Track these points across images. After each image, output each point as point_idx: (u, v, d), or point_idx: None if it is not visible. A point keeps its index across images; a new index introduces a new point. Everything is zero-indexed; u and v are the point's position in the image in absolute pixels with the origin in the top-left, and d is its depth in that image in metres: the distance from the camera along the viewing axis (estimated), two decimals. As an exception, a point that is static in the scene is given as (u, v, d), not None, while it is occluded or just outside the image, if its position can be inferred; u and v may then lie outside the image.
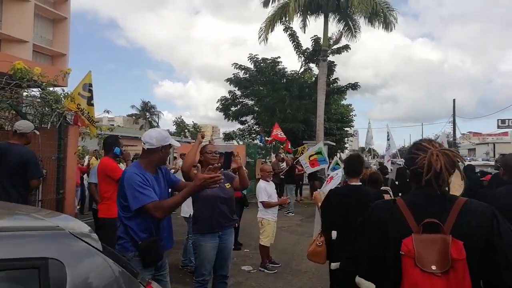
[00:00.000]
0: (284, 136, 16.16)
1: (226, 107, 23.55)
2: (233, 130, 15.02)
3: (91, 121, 6.02)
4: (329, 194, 3.41)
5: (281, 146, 19.35)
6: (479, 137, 71.90)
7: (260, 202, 5.75)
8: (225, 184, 3.60)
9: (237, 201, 6.93)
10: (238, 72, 23.18)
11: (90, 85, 6.05)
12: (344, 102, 34.78)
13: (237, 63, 23.01)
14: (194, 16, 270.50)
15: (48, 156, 5.59)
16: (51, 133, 5.74)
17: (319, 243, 3.22)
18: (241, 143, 16.18)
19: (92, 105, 6.07)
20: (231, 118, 23.74)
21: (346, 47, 21.11)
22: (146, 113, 63.26)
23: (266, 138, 17.39)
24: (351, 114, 34.86)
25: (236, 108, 23.70)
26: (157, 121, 64.04)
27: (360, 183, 3.35)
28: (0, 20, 21.40)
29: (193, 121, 13.89)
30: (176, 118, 33.68)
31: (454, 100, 39.63)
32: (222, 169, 3.45)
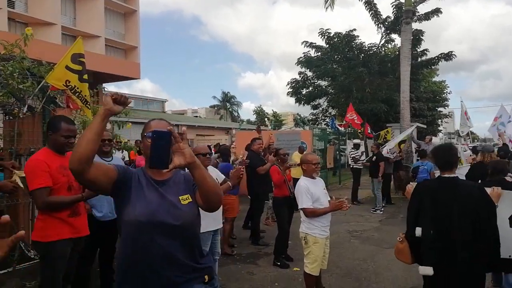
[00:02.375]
0: (359, 121, 13.73)
1: (297, 90, 21.51)
2: (298, 113, 12.96)
3: (84, 102, 4.67)
4: (418, 187, 3.03)
5: (359, 131, 16.88)
6: None
7: (301, 209, 3.88)
8: (180, 197, 1.83)
9: (285, 202, 5.46)
10: (309, 51, 20.95)
11: (81, 55, 4.67)
12: (435, 79, 30.47)
13: (307, 41, 20.79)
14: (272, 6, 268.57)
15: (26, 147, 4.37)
16: (32, 119, 4.53)
17: (399, 239, 2.98)
18: (307, 128, 14.07)
19: (86, 81, 4.71)
20: (302, 102, 21.67)
21: (437, 11, 17.63)
22: (227, 104, 64.15)
23: (339, 123, 15.13)
24: (445, 92, 30.33)
25: (307, 90, 21.51)
26: (237, 110, 64.71)
27: (456, 175, 2.82)
28: (74, 17, 22.03)
29: (273, 110, 12.63)
30: (256, 107, 32.56)
31: None
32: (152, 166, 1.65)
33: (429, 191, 2.88)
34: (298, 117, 12.89)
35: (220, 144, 11.13)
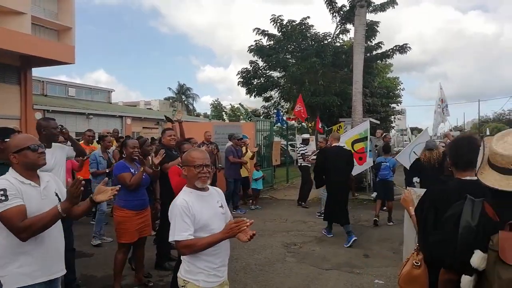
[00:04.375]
0: (304, 115, 12.49)
1: (248, 80, 20.07)
2: (240, 103, 11.48)
3: None
4: (432, 195, 2.27)
5: (309, 125, 15.72)
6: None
7: (172, 242, 2.38)
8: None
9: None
10: (261, 39, 19.55)
11: None
12: (389, 75, 30.27)
13: (259, 28, 19.36)
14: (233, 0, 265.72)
15: None
16: None
17: (417, 263, 2.20)
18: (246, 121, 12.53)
19: None
20: (253, 93, 20.28)
21: (393, 2, 16.84)
22: (182, 96, 61.84)
23: (287, 116, 13.89)
24: (398, 88, 30.21)
25: (258, 81, 20.14)
26: (192, 103, 62.59)
27: (476, 177, 1.87)
28: (-8, -10, 19.06)
29: (230, 104, 11.31)
30: (213, 100, 31.06)
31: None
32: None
33: (448, 199, 2.16)
34: (241, 106, 11.32)
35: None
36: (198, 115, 51.71)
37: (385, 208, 7.99)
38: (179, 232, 2.27)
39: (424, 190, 2.50)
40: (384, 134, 11.23)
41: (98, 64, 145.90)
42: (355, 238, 6.14)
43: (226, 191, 8.28)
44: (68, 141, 4.44)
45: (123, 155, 4.17)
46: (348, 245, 6.06)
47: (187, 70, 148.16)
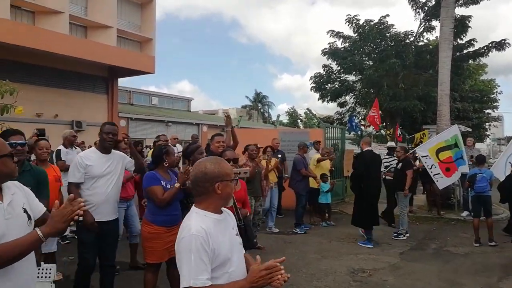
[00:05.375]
0: (379, 122, 11.32)
1: (321, 85, 19.15)
2: (308, 108, 10.57)
3: None
4: None
5: (388, 132, 14.32)
6: None
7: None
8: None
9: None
10: (335, 41, 18.55)
11: None
12: (484, 77, 26.96)
13: (333, 30, 18.39)
14: (311, 6, 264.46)
15: None
16: None
17: None
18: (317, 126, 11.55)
19: None
20: (327, 99, 19.30)
21: (488, -7, 14.79)
22: (258, 104, 62.69)
23: (362, 123, 12.77)
24: (494, 91, 26.78)
25: (332, 86, 19.11)
26: (268, 111, 63.09)
27: None
28: (85, 7, 20.89)
29: (307, 109, 10.69)
30: (289, 108, 30.94)
31: None
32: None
33: None
34: (308, 112, 10.48)
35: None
36: (273, 123, 51.82)
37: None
38: (195, 274, 1.65)
39: None
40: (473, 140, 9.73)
41: (183, 74, 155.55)
42: (372, 247, 6.42)
43: (299, 205, 7.64)
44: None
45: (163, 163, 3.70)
46: (363, 244, 6.50)
47: (264, 79, 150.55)
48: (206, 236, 1.68)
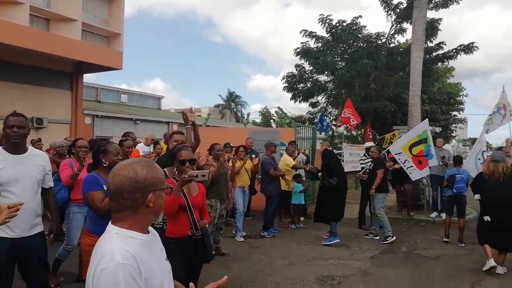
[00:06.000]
0: (357, 121, 11.18)
1: (293, 85, 18.96)
2: (279, 107, 10.30)
3: None
4: None
5: (359, 133, 14.26)
6: None
7: None
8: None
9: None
10: (308, 41, 18.37)
11: None
12: (450, 80, 27.73)
13: (306, 30, 18.21)
14: (285, 8, 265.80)
15: None
16: None
17: None
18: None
19: None
20: (299, 99, 19.13)
21: (457, -4, 15.03)
22: (231, 103, 62.20)
23: (334, 123, 12.61)
24: (460, 94, 27.54)
25: (304, 86, 18.94)
26: (241, 111, 62.69)
27: None
28: (48, -2, 19.77)
29: (278, 107, 10.24)
30: (262, 108, 30.74)
31: None
32: None
33: None
34: (279, 110, 10.07)
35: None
36: (248, 123, 51.33)
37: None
38: None
39: None
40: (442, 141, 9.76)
41: (155, 72, 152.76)
42: (338, 240, 6.50)
43: (269, 208, 7.24)
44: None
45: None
46: (328, 243, 6.47)
47: (238, 79, 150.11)
48: (136, 264, 1.28)
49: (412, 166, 8.24)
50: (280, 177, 7.43)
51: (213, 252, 3.41)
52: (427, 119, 9.22)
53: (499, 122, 8.55)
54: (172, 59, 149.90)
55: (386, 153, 8.60)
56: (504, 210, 5.10)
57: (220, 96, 61.45)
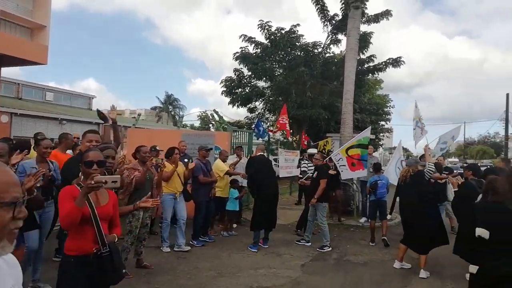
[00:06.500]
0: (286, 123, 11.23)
1: (231, 89, 18.77)
2: (214, 109, 10.01)
3: None
4: None
5: (294, 139, 14.42)
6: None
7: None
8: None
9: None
10: (247, 46, 18.32)
11: None
12: (379, 92, 29.50)
13: (245, 35, 18.16)
14: (227, 15, 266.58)
15: None
16: None
17: None
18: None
19: None
20: (237, 103, 18.97)
21: (387, 13, 16.01)
22: (169, 106, 60.34)
23: (270, 128, 12.62)
24: (388, 105, 29.37)
25: (243, 90, 18.84)
26: (178, 113, 61.08)
27: None
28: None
29: (214, 110, 9.78)
30: (200, 112, 30.09)
31: (507, 94, 30.27)
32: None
33: None
34: (215, 113, 9.73)
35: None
36: (185, 126, 50.41)
37: None
38: None
39: None
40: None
41: (88, 72, 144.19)
42: (256, 251, 6.43)
43: (198, 215, 6.82)
44: None
45: None
46: (254, 250, 6.46)
47: (178, 82, 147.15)
48: None
49: (344, 165, 8.51)
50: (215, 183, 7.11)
51: (124, 271, 2.97)
52: (370, 127, 9.68)
53: (419, 135, 9.08)
54: (108, 58, 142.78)
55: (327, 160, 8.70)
56: (410, 212, 5.59)
57: (158, 98, 59.39)
